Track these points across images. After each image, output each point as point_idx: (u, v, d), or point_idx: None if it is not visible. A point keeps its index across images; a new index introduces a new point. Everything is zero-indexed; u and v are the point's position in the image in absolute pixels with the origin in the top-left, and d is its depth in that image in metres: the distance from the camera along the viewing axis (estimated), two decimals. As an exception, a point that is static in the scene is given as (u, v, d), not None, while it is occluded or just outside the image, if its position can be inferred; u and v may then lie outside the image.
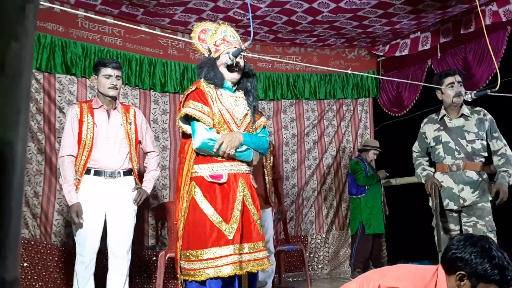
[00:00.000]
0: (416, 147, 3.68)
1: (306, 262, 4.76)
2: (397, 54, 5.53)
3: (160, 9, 4.51)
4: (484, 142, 3.38)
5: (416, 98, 5.57)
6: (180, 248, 2.53)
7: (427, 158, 3.64)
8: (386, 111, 6.00)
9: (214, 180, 2.50)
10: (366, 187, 5.19)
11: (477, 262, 1.75)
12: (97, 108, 3.25)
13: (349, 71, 2.60)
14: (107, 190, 3.17)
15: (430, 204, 3.44)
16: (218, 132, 2.54)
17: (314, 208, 5.76)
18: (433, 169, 3.53)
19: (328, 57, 5.84)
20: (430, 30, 5.13)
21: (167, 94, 5.03)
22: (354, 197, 5.30)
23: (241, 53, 2.60)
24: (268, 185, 4.19)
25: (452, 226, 3.38)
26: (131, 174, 3.31)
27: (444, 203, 3.38)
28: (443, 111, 3.52)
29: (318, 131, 5.87)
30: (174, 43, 5.03)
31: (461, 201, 3.32)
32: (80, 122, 3.17)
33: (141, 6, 4.43)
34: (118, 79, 3.27)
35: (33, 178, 4.15)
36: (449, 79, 3.44)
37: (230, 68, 2.62)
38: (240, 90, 2.73)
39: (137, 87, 4.83)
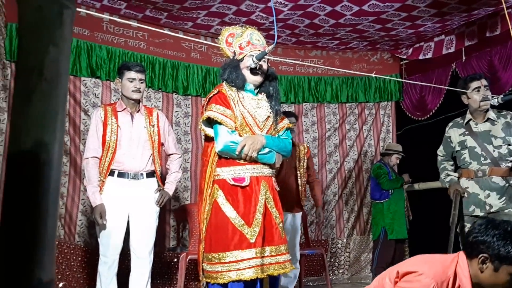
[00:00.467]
0: (441, 151, 3.63)
1: (326, 267, 4.72)
2: (421, 57, 5.46)
3: (184, 13, 4.55)
4: (511, 147, 3.31)
5: (440, 102, 5.48)
6: (202, 250, 2.54)
7: (451, 163, 3.59)
8: (409, 115, 5.92)
9: (236, 183, 2.51)
10: (390, 191, 5.13)
11: (500, 244, 1.74)
12: (121, 111, 3.29)
13: (373, 75, 2.59)
14: (130, 192, 3.21)
15: (453, 212, 3.39)
16: (240, 135, 2.55)
17: (335, 212, 5.72)
18: (457, 175, 3.48)
19: (351, 60, 5.80)
20: (455, 33, 5.05)
21: (190, 97, 5.07)
22: (377, 201, 5.24)
23: (265, 57, 2.60)
24: (300, 188, 4.18)
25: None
26: (154, 176, 3.34)
27: (470, 210, 3.33)
28: (468, 116, 3.46)
29: (339, 134, 5.83)
30: (196, 46, 5.07)
31: (488, 208, 3.26)
32: (105, 124, 3.22)
33: (164, 10, 4.48)
34: (142, 83, 3.31)
35: (58, 179, 4.22)
36: (475, 84, 3.38)
37: (253, 71, 2.62)
38: (262, 93, 2.73)
39: (160, 90, 4.88)
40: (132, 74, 3.26)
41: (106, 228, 3.14)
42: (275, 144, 2.62)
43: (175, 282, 4.37)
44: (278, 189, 2.70)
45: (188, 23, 4.81)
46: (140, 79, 3.29)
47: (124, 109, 3.30)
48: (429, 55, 5.36)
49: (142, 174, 3.27)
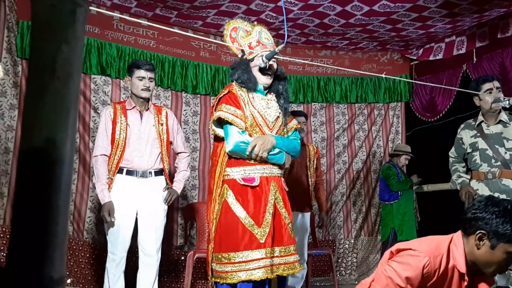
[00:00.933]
0: (452, 152, 3.61)
1: (333, 267, 4.71)
2: (431, 58, 5.42)
3: (193, 12, 4.56)
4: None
5: (450, 103, 5.44)
6: (211, 250, 2.54)
7: (463, 164, 3.57)
8: (419, 116, 5.89)
9: (246, 183, 2.51)
10: (399, 193, 5.10)
11: (499, 222, 1.73)
12: (130, 109, 3.31)
13: (383, 75, 2.57)
14: (139, 190, 3.22)
15: None
16: (250, 135, 2.55)
17: (343, 213, 5.70)
18: (468, 176, 3.46)
19: (360, 60, 5.78)
20: (466, 34, 5.01)
21: (198, 96, 5.07)
22: (386, 203, 5.22)
23: (274, 56, 2.60)
24: (311, 187, 4.18)
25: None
26: (162, 174, 3.35)
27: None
28: (480, 117, 3.44)
29: (348, 135, 5.81)
30: (206, 45, 5.07)
31: (497, 210, 3.23)
32: (114, 122, 3.23)
33: (174, 9, 4.49)
34: (151, 81, 3.32)
35: (67, 176, 4.25)
36: (487, 85, 3.36)
37: (263, 71, 2.62)
38: (272, 93, 2.73)
39: (169, 89, 4.89)
40: (142, 72, 3.27)
41: (115, 225, 3.15)
42: (285, 145, 2.62)
43: (182, 280, 4.39)
44: (287, 189, 2.69)
45: (198, 22, 4.82)
46: (150, 78, 3.30)
47: (133, 107, 3.31)
48: (440, 56, 5.32)
49: (150, 172, 3.28)
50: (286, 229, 2.56)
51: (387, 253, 1.87)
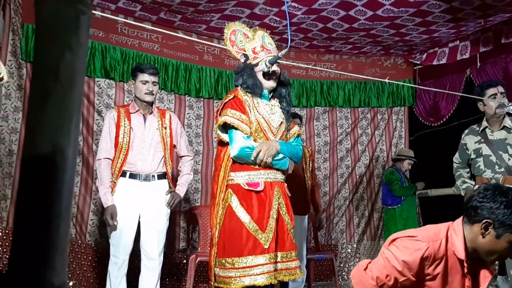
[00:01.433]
0: (456, 158, 3.59)
1: (336, 272, 4.70)
2: (435, 63, 5.42)
3: (197, 16, 4.57)
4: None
5: (454, 108, 5.43)
6: (214, 255, 2.53)
7: (467, 170, 3.55)
8: (422, 121, 5.88)
9: (251, 188, 2.51)
10: (402, 198, 5.09)
11: (506, 212, 1.73)
12: (134, 113, 3.31)
13: (386, 80, 2.57)
14: (142, 193, 3.23)
15: None
16: (255, 141, 2.55)
17: (345, 217, 5.69)
18: (473, 182, 3.44)
19: (364, 64, 5.78)
20: (470, 39, 5.01)
21: (202, 99, 5.08)
22: (389, 207, 5.21)
23: (277, 61, 2.60)
24: (308, 190, 4.19)
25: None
26: (165, 178, 3.36)
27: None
28: (484, 123, 3.43)
29: (351, 139, 5.81)
30: (209, 49, 5.09)
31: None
32: (117, 126, 3.24)
33: (179, 13, 4.51)
34: (155, 85, 3.33)
35: (71, 178, 4.26)
36: (491, 90, 3.35)
37: (267, 76, 2.62)
38: (275, 98, 2.73)
39: (172, 92, 4.90)
40: (145, 76, 3.28)
41: (117, 228, 3.16)
42: (288, 150, 2.63)
43: (184, 283, 4.38)
44: (289, 194, 2.69)
45: (202, 26, 4.83)
46: (154, 82, 3.31)
47: (137, 111, 3.32)
48: (443, 61, 5.32)
49: (153, 176, 3.29)
50: (289, 234, 2.56)
51: (386, 242, 1.88)
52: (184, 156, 3.54)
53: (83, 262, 4.17)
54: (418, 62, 5.73)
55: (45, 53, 0.57)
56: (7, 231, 3.81)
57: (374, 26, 4.73)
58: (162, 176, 3.33)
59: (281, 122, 2.68)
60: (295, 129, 2.81)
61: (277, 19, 4.57)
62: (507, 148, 3.29)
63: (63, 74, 0.56)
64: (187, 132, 4.87)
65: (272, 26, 4.69)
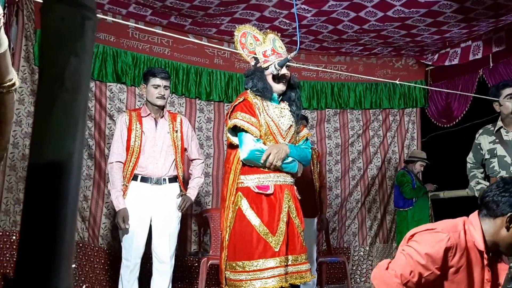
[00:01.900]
0: (470, 158, 3.55)
1: (348, 275, 4.67)
2: (447, 63, 5.37)
3: (208, 19, 4.59)
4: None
5: (466, 109, 5.38)
6: (225, 258, 2.53)
7: (482, 170, 3.50)
8: (435, 122, 5.83)
9: (261, 191, 2.50)
10: (414, 199, 5.05)
11: None
12: (145, 116, 3.34)
13: (397, 81, 2.55)
14: (153, 196, 3.24)
15: None
16: (264, 143, 2.55)
17: (358, 219, 5.66)
18: (487, 183, 3.39)
19: (375, 66, 5.75)
20: (482, 39, 4.96)
21: (212, 102, 5.10)
22: (401, 209, 5.17)
23: (287, 63, 2.60)
24: (317, 192, 4.18)
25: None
26: (176, 181, 3.37)
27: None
28: (499, 123, 3.38)
29: (363, 141, 5.77)
30: (220, 52, 5.10)
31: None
32: (129, 129, 3.27)
33: (189, 17, 4.53)
34: (166, 89, 3.35)
35: (83, 182, 4.30)
36: (507, 90, 3.30)
37: (276, 79, 2.62)
38: (285, 102, 2.73)
39: (183, 96, 4.93)
40: (157, 80, 3.30)
41: (129, 232, 3.18)
42: (297, 154, 2.62)
43: (196, 286, 4.39)
44: (299, 197, 2.69)
45: (212, 30, 4.85)
46: (165, 86, 3.33)
47: (148, 115, 3.34)
48: (455, 61, 5.27)
49: (164, 179, 3.30)
50: (299, 237, 2.56)
51: (404, 239, 1.86)
52: (195, 159, 3.55)
53: (95, 265, 4.20)
54: (430, 63, 5.68)
55: (51, 59, 0.57)
56: (21, 235, 3.85)
57: (384, 27, 4.70)
58: (173, 179, 3.35)
59: (290, 125, 2.68)
60: (304, 131, 2.81)
61: (287, 21, 4.57)
62: (522, 149, 3.24)
63: (68, 79, 0.56)
64: (198, 135, 4.89)
65: (282, 28, 4.69)
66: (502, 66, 4.94)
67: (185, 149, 3.49)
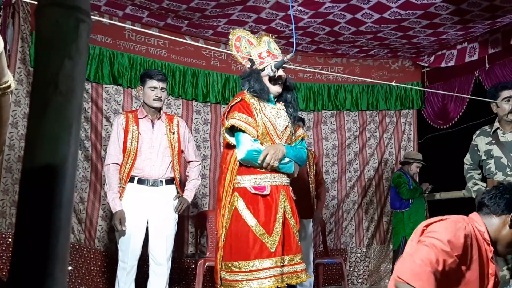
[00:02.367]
0: (467, 159, 3.55)
1: (345, 276, 4.67)
2: (443, 65, 5.39)
3: (204, 21, 4.59)
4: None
5: (463, 110, 5.40)
6: (221, 258, 2.53)
7: (479, 171, 3.51)
8: (431, 123, 5.84)
9: (257, 192, 2.51)
10: (410, 201, 5.06)
11: None
12: (142, 118, 3.33)
13: (393, 83, 2.56)
14: (150, 198, 3.24)
15: None
16: (261, 144, 2.55)
17: (355, 221, 5.66)
18: (484, 184, 3.40)
19: (371, 67, 5.76)
20: (478, 41, 4.97)
21: (209, 104, 5.10)
22: (397, 211, 5.18)
23: (284, 65, 2.60)
24: (312, 193, 4.18)
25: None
26: (173, 183, 3.36)
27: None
28: (496, 124, 3.39)
29: (359, 142, 5.78)
30: (216, 54, 5.10)
31: None
32: (126, 131, 3.26)
33: (186, 18, 4.53)
34: (163, 91, 3.34)
35: (79, 184, 4.29)
36: (505, 93, 3.31)
37: (273, 80, 2.63)
38: (281, 102, 2.74)
39: (180, 98, 4.92)
40: (154, 82, 3.30)
41: (125, 234, 3.17)
42: (294, 154, 2.63)
43: (192, 288, 4.39)
44: (294, 198, 2.69)
45: (208, 31, 4.85)
46: (162, 88, 3.33)
47: (145, 117, 3.34)
48: (452, 63, 5.29)
49: (161, 181, 3.30)
50: (294, 238, 2.57)
51: (415, 233, 1.85)
52: (192, 161, 3.54)
53: (92, 268, 4.19)
54: (426, 65, 5.70)
55: (45, 62, 0.57)
56: (17, 237, 3.84)
57: (381, 29, 4.72)
58: (170, 181, 3.34)
59: (287, 126, 2.69)
60: (300, 132, 2.82)
61: (284, 23, 4.57)
62: (519, 150, 3.25)
63: (62, 83, 0.56)
64: (195, 137, 4.88)
65: (279, 30, 4.69)
66: (498, 68, 4.96)
67: (182, 151, 3.48)
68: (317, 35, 4.92)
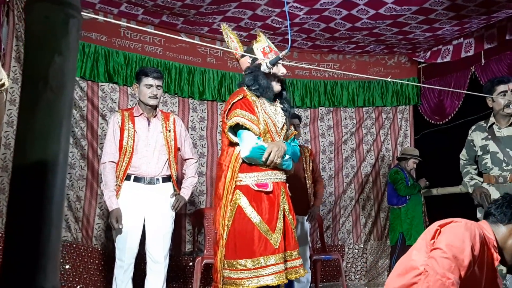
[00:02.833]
0: (463, 155, 3.56)
1: (343, 272, 4.68)
2: (439, 60, 5.39)
3: (200, 18, 4.58)
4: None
5: (459, 106, 5.41)
6: (222, 257, 2.50)
7: (475, 166, 3.51)
8: (427, 119, 5.85)
9: (260, 189, 2.50)
10: (407, 197, 5.07)
11: None
12: (138, 116, 3.32)
13: (388, 79, 2.56)
14: (146, 196, 3.23)
15: (478, 216, 3.31)
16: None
17: (352, 217, 5.67)
18: (481, 179, 3.40)
19: (367, 64, 5.76)
20: (474, 36, 4.98)
21: (205, 102, 5.09)
22: (395, 207, 5.18)
23: (281, 62, 2.60)
24: (309, 190, 4.19)
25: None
26: (170, 181, 3.36)
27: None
28: (492, 119, 3.39)
29: (356, 139, 5.79)
30: (212, 51, 5.09)
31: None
32: (122, 129, 3.25)
33: (181, 15, 4.52)
34: (159, 89, 3.33)
35: (76, 183, 4.28)
36: (501, 87, 3.31)
37: (273, 77, 2.63)
38: (277, 100, 2.73)
39: (176, 95, 4.91)
40: (149, 80, 3.29)
41: (122, 232, 3.16)
42: (292, 151, 2.64)
43: (190, 286, 4.39)
44: (290, 194, 2.70)
45: (204, 28, 4.84)
46: (158, 86, 3.32)
47: (141, 114, 3.33)
48: (448, 59, 5.29)
49: (158, 179, 3.29)
50: (292, 233, 2.59)
51: (427, 233, 1.86)
52: (188, 159, 3.54)
53: (89, 266, 4.18)
54: (422, 60, 5.70)
55: (34, 58, 0.57)
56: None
57: (377, 25, 4.71)
58: (166, 179, 3.34)
59: (284, 123, 2.69)
60: (292, 129, 2.84)
61: (279, 19, 4.57)
62: (515, 145, 3.25)
63: (53, 79, 0.55)
64: (191, 134, 4.88)
65: (275, 27, 4.69)
66: (494, 63, 4.97)
67: (179, 149, 3.47)
68: (313, 31, 4.92)
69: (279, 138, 2.63)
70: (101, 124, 4.44)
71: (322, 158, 5.64)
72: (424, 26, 4.74)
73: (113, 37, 4.56)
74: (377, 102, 5.80)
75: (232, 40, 2.71)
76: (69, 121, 0.56)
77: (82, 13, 0.64)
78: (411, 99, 5.88)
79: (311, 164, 4.33)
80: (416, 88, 5.87)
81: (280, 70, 2.63)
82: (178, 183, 3.49)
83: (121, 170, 3.22)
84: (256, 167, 2.53)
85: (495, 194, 3.25)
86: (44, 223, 0.52)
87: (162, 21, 4.64)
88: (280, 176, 2.60)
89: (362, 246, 5.62)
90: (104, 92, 4.52)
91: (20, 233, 0.52)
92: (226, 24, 2.81)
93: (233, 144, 2.58)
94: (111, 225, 3.18)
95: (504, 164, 3.25)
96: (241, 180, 2.54)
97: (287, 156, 2.58)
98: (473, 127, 3.53)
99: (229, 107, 2.59)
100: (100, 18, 4.26)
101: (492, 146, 3.32)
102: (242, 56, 2.67)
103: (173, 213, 3.34)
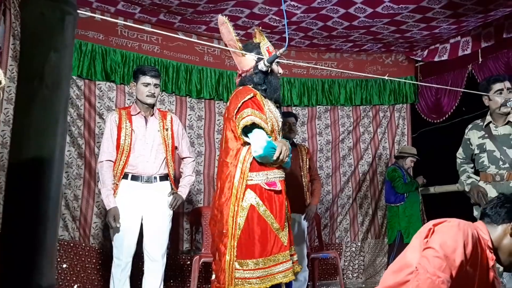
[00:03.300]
0: (460, 153, 3.56)
1: (340, 271, 4.68)
2: (436, 59, 5.39)
3: (197, 17, 4.57)
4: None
5: (456, 104, 5.41)
6: (233, 257, 2.44)
7: (472, 165, 3.52)
8: (425, 118, 5.86)
9: (271, 188, 2.51)
10: (405, 195, 5.07)
11: None
12: (135, 115, 3.32)
13: (386, 77, 2.56)
14: (144, 195, 3.23)
15: (475, 214, 3.32)
16: None
17: (349, 215, 5.67)
18: (478, 177, 3.41)
19: (365, 62, 5.76)
20: (471, 35, 4.98)
21: (203, 100, 5.08)
22: (392, 205, 5.19)
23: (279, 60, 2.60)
24: (305, 188, 4.20)
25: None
26: (167, 179, 3.36)
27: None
28: (488, 118, 3.40)
29: (353, 137, 5.79)
30: (210, 50, 5.08)
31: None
32: (119, 128, 3.25)
33: (178, 14, 4.51)
34: (156, 87, 3.33)
35: (73, 181, 4.27)
36: (497, 85, 3.32)
37: (271, 75, 2.64)
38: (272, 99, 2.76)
39: (173, 94, 4.90)
40: (147, 79, 3.28)
41: (120, 231, 3.16)
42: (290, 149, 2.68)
43: (188, 284, 4.39)
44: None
45: (201, 27, 4.83)
46: (155, 84, 3.31)
47: (138, 113, 3.33)
48: (445, 57, 5.30)
49: (155, 178, 3.29)
50: (291, 230, 2.62)
51: (426, 228, 1.85)
52: (186, 157, 3.53)
53: (87, 265, 4.18)
54: (420, 59, 5.71)
55: (30, 55, 0.57)
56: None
57: (374, 24, 4.72)
58: (164, 177, 3.34)
59: (281, 122, 2.73)
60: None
61: (277, 18, 4.56)
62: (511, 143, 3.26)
63: (48, 76, 0.55)
64: (189, 133, 4.87)
65: (272, 25, 4.68)
66: (491, 62, 4.98)
67: (176, 147, 3.47)
68: (310, 30, 4.91)
69: (280, 137, 2.67)
70: (98, 123, 4.43)
71: (319, 157, 5.65)
72: (422, 25, 4.75)
73: (110, 36, 4.55)
74: (375, 101, 5.81)
75: (235, 34, 2.72)
76: (65, 118, 0.56)
77: (79, 11, 0.64)
78: (408, 98, 5.89)
79: (307, 162, 4.33)
80: (414, 86, 5.88)
81: (278, 69, 2.64)
82: (176, 181, 3.49)
83: (119, 169, 3.22)
84: (265, 166, 2.54)
85: (492, 192, 3.26)
86: (40, 220, 0.52)
87: (160, 20, 4.63)
88: (283, 174, 2.65)
89: (359, 244, 5.63)
90: (101, 91, 4.51)
91: (16, 230, 0.52)
92: (226, 17, 2.80)
93: (244, 143, 2.55)
94: (108, 223, 3.18)
95: (501, 162, 3.26)
96: (252, 179, 2.51)
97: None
98: (469, 126, 3.54)
99: (239, 105, 2.53)
100: (97, 16, 4.25)
101: (489, 145, 3.33)
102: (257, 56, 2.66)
103: (171, 212, 3.34)
